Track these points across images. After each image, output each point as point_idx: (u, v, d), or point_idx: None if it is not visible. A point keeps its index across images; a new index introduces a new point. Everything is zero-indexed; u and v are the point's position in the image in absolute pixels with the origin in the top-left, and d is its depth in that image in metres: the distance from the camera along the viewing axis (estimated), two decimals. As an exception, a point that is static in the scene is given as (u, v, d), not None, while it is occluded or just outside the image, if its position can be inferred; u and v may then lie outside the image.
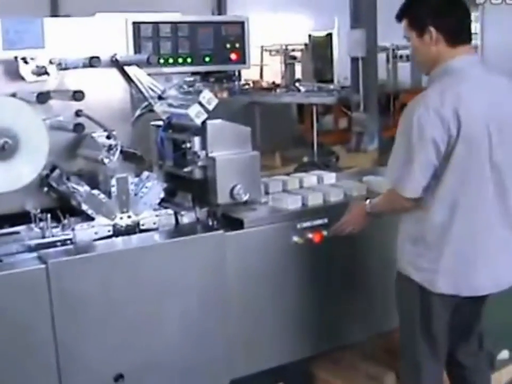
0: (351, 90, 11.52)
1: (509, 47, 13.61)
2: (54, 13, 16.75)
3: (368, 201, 3.22)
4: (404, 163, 2.86)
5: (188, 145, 3.26)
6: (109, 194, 3.13)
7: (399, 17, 2.99)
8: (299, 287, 3.43)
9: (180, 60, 3.56)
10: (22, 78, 3.09)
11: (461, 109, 2.74)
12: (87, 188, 3.13)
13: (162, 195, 3.28)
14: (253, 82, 15.46)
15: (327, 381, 3.78)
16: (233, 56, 3.73)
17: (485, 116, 2.81)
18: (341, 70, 15.01)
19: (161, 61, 3.47)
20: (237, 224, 3.24)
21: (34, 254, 2.88)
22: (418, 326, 3.05)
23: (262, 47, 16.45)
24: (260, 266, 3.29)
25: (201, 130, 3.23)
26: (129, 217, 3.17)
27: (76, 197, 3.11)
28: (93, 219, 3.09)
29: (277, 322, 3.40)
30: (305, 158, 11.04)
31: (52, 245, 2.98)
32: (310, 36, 17.03)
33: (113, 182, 3.12)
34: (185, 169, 3.29)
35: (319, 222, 3.41)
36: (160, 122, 3.43)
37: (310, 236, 3.36)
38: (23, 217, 3.12)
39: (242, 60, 3.77)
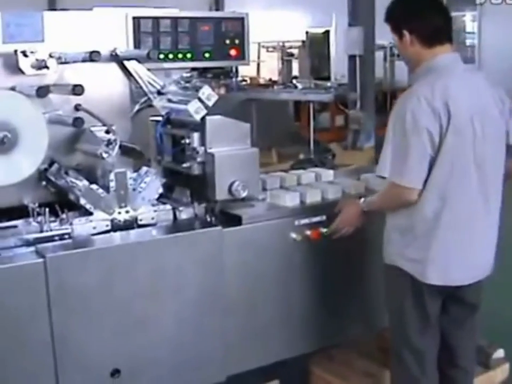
0: (348, 88, 11.50)
1: (505, 46, 13.64)
2: (52, 7, 16.69)
3: (362, 199, 3.23)
4: (401, 156, 2.90)
5: (187, 141, 3.26)
6: (107, 189, 3.12)
7: (386, 22, 3.14)
8: (297, 284, 3.43)
9: (180, 55, 3.56)
10: (22, 72, 3.08)
11: (449, 101, 2.86)
12: (85, 182, 3.12)
13: (160, 190, 3.28)
14: (250, 78, 15.46)
15: (322, 378, 3.79)
16: (232, 52, 3.73)
17: (469, 109, 2.93)
18: (338, 67, 15.00)
19: (161, 56, 3.47)
20: (235, 220, 3.24)
21: (32, 248, 2.87)
22: (410, 316, 3.09)
23: (259, 43, 16.43)
24: (257, 262, 3.29)
25: (200, 126, 3.22)
26: (127, 212, 3.16)
27: (74, 192, 3.10)
28: (91, 214, 3.09)
29: (273, 319, 3.40)
30: (301, 155, 11.04)
31: (50, 239, 2.97)
32: (307, 33, 17.01)
33: (112, 176, 3.12)
34: (184, 165, 3.28)
35: (317, 219, 3.41)
36: (159, 118, 3.42)
37: (308, 233, 3.36)
38: (21, 211, 3.11)
39: (241, 56, 3.77)
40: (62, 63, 3.14)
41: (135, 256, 2.97)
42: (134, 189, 3.19)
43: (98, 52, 3.08)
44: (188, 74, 3.59)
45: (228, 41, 3.70)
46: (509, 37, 13.67)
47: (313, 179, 3.94)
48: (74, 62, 3.14)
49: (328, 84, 13.57)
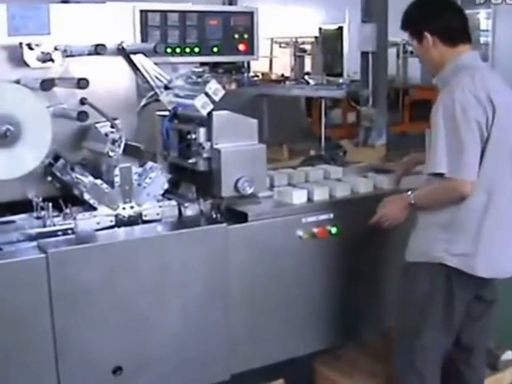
0: (360, 85, 11.44)
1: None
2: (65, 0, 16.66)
3: (410, 192, 3.16)
4: (457, 150, 2.87)
5: (193, 136, 3.21)
6: (112, 184, 3.09)
7: (403, 29, 3.19)
8: (302, 282, 3.39)
9: (188, 50, 3.54)
10: (27, 65, 3.06)
11: (491, 93, 2.89)
12: (90, 178, 3.09)
13: (166, 186, 3.24)
14: (262, 74, 15.40)
15: (328, 377, 3.75)
16: (241, 47, 3.69)
17: (507, 102, 2.96)
18: (351, 64, 14.95)
19: (169, 50, 3.45)
20: (241, 217, 3.20)
21: (35, 243, 2.84)
22: (436, 316, 3.06)
23: (272, 39, 16.38)
24: (263, 260, 3.25)
25: (207, 121, 3.18)
26: (131, 207, 3.13)
27: (79, 187, 3.07)
28: (95, 209, 3.05)
29: (279, 317, 3.36)
30: (312, 151, 10.98)
31: (53, 234, 2.94)
32: (320, 29, 16.96)
33: (117, 171, 3.08)
34: (190, 161, 3.24)
35: (324, 217, 3.37)
36: (166, 113, 3.39)
37: (315, 230, 3.32)
38: (25, 206, 3.08)
39: (250, 51, 3.74)
40: (67, 56, 3.12)
41: (139, 252, 2.93)
42: (139, 184, 3.15)
43: (103, 45, 3.04)
44: (200, 69, 3.54)
45: (236, 36, 3.67)
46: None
47: (322, 176, 3.89)
48: (80, 55, 3.11)
49: (340, 80, 13.48)
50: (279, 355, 3.40)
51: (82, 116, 3.00)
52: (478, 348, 3.32)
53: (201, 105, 3.10)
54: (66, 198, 3.11)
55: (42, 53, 3.05)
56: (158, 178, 3.20)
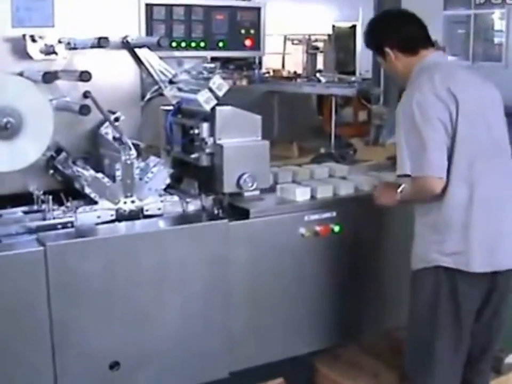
0: (371, 83, 11.42)
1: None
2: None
3: (402, 187, 3.11)
4: (418, 150, 2.89)
5: (196, 131, 3.20)
6: (113, 178, 3.07)
7: (368, 49, 3.32)
8: (304, 280, 3.36)
9: (193, 44, 3.52)
10: (30, 57, 3.04)
11: (452, 88, 2.91)
12: (92, 172, 3.07)
13: (168, 181, 3.22)
14: (273, 71, 15.38)
15: (328, 377, 3.73)
16: (247, 42, 3.67)
17: (477, 95, 3.00)
18: (363, 62, 14.91)
19: (174, 44, 3.42)
20: (243, 213, 3.18)
21: (34, 236, 2.83)
22: (444, 317, 3.02)
23: (285, 36, 16.35)
24: (264, 257, 3.22)
25: (210, 117, 3.17)
26: (133, 202, 3.10)
27: (80, 181, 3.06)
28: (96, 203, 3.04)
29: (279, 315, 3.34)
30: (322, 149, 10.95)
31: (53, 227, 2.92)
32: (333, 26, 16.94)
33: (118, 165, 3.06)
34: (193, 156, 3.23)
35: (327, 215, 3.34)
36: (170, 107, 3.37)
37: (318, 228, 3.29)
38: (26, 199, 3.07)
39: (257, 46, 3.72)
40: (71, 48, 3.11)
41: (139, 247, 2.91)
42: (140, 179, 3.13)
43: (106, 38, 3.01)
44: (212, 65, 3.52)
45: (243, 31, 3.64)
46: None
47: (327, 174, 3.86)
48: (83, 48, 3.09)
49: (352, 78, 13.44)
50: (279, 354, 3.37)
51: (84, 109, 2.99)
52: (487, 355, 3.29)
53: (205, 100, 3.08)
54: (68, 192, 3.10)
55: (46, 45, 3.05)
56: (160, 173, 3.18)
